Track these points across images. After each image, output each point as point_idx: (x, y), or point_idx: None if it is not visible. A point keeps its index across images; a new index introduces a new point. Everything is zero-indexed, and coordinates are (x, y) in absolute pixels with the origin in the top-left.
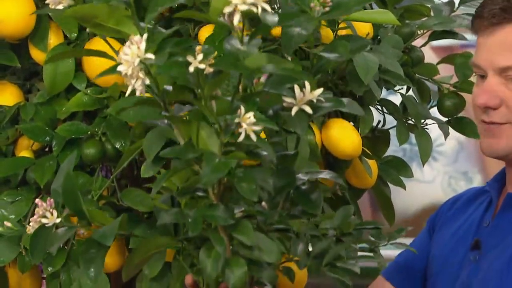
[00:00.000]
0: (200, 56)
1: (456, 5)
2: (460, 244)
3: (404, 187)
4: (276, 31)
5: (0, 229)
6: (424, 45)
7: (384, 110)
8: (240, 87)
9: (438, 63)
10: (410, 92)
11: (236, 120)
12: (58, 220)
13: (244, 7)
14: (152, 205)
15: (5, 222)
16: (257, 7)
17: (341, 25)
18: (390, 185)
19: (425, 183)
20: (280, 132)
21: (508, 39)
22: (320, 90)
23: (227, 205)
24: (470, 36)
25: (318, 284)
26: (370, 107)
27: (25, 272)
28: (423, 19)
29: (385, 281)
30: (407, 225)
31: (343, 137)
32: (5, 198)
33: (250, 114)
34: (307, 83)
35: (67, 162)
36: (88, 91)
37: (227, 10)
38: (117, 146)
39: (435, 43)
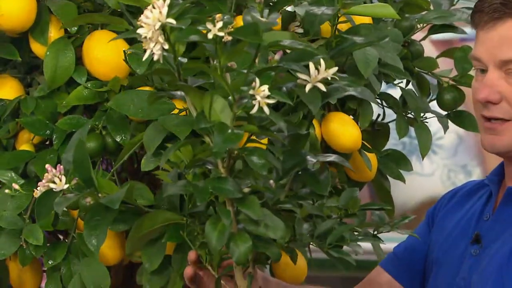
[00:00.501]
0: (219, 24)
1: None
2: (461, 238)
3: (403, 180)
4: (277, 27)
5: (7, 191)
6: (423, 39)
7: (384, 103)
8: (256, 61)
9: (437, 57)
10: (410, 86)
11: (251, 92)
12: (65, 186)
13: None
14: (152, 198)
15: (13, 184)
16: None
17: (340, 19)
18: (390, 178)
19: (425, 176)
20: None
21: (509, 33)
22: (335, 68)
23: (235, 179)
24: (469, 30)
25: (319, 277)
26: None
27: (25, 265)
28: (423, 13)
29: (383, 271)
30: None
31: (343, 130)
32: (6, 191)
33: (265, 87)
34: (322, 61)
35: (80, 131)
36: (89, 85)
37: None
38: (118, 139)
39: (435, 37)
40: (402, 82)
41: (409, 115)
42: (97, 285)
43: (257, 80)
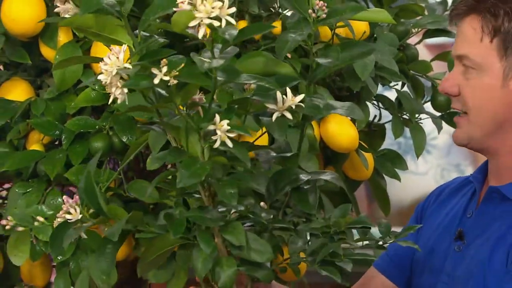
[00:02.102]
0: (165, 69)
1: (449, 4)
2: (445, 234)
3: (399, 179)
4: (277, 30)
5: (37, 224)
6: (418, 43)
7: (380, 105)
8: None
9: (431, 60)
10: (405, 88)
11: (212, 127)
12: (80, 216)
13: (208, 21)
14: (157, 196)
15: (38, 217)
16: (220, 21)
17: (339, 24)
18: (386, 177)
19: (419, 175)
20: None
21: (464, 29)
22: (301, 96)
23: (220, 204)
24: None
25: (317, 283)
26: (366, 102)
27: (36, 260)
28: (418, 18)
29: (377, 273)
30: (401, 216)
31: (341, 131)
32: (17, 190)
33: (225, 122)
34: (288, 90)
35: (91, 162)
36: (96, 87)
37: (192, 24)
38: (124, 139)
39: (429, 41)
40: (397, 84)
41: (405, 116)
42: (104, 279)
43: (217, 116)
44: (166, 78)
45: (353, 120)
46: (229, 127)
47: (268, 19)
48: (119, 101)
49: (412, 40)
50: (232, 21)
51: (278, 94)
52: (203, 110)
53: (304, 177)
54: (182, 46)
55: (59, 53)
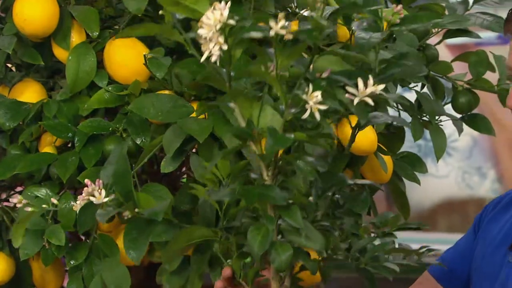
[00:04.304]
0: (282, 22)
1: (470, 3)
2: (500, 246)
3: (418, 182)
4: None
5: (44, 206)
6: (438, 43)
7: (399, 107)
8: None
9: (452, 61)
10: (425, 90)
11: (304, 97)
12: (105, 200)
13: None
14: (172, 200)
15: (52, 199)
16: None
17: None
18: (405, 180)
19: (440, 178)
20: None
21: None
22: (382, 86)
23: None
24: (484, 35)
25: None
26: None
27: (48, 265)
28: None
29: (431, 277)
30: (421, 219)
31: (359, 133)
32: (29, 193)
33: (318, 93)
34: (370, 77)
35: (121, 145)
36: (110, 88)
37: None
38: (138, 142)
39: (450, 41)
40: (417, 85)
41: (424, 118)
42: (118, 284)
43: (310, 85)
44: (282, 32)
45: None
46: (321, 99)
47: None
48: (213, 59)
49: (432, 41)
50: None
51: (360, 80)
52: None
53: (350, 181)
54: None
55: (72, 54)
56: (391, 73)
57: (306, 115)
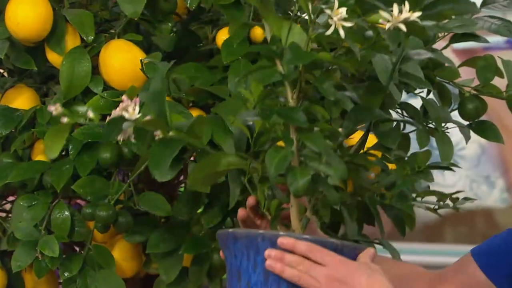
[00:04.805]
0: None
1: (478, 7)
2: None
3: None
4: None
5: (82, 120)
6: (445, 47)
7: (404, 113)
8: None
9: (459, 66)
10: (431, 96)
11: (328, 12)
12: (137, 116)
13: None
14: (169, 210)
15: (88, 112)
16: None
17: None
18: None
19: (447, 187)
20: None
21: None
22: (418, 13)
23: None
24: (492, 39)
25: None
26: (389, 110)
27: (41, 277)
28: (444, 21)
29: (472, 260)
30: (427, 229)
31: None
32: (21, 203)
33: (343, 9)
34: (406, 3)
35: (162, 68)
36: (105, 95)
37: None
38: (134, 150)
39: (457, 45)
40: (423, 91)
41: (430, 125)
42: None
43: (336, 0)
44: None
45: None
46: (346, 16)
47: None
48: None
49: (438, 45)
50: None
51: (395, 5)
52: None
53: (383, 114)
54: (194, 50)
55: (66, 58)
56: (439, 9)
57: (330, 31)
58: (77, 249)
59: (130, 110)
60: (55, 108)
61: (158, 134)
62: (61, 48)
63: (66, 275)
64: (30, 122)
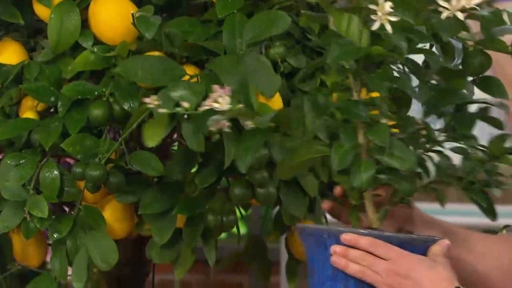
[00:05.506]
0: None
1: None
2: None
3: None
4: None
5: (179, 109)
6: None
7: (406, 69)
8: None
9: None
10: (434, 50)
11: (372, 7)
12: (228, 107)
13: None
14: (162, 169)
15: (182, 103)
16: None
17: None
18: None
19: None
20: None
21: None
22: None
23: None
24: None
25: None
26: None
27: (29, 238)
28: None
29: None
30: None
31: None
32: (8, 161)
33: (388, 4)
34: None
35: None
36: (95, 50)
37: None
38: (125, 107)
39: None
40: (425, 46)
41: (433, 81)
42: (104, 259)
43: None
44: None
45: None
46: (391, 10)
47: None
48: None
49: None
50: None
51: None
52: None
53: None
54: (187, 3)
55: (54, 11)
56: None
57: (375, 27)
58: (67, 209)
59: (221, 101)
60: (151, 101)
61: (248, 124)
62: (49, 1)
63: (55, 236)
64: (17, 78)
